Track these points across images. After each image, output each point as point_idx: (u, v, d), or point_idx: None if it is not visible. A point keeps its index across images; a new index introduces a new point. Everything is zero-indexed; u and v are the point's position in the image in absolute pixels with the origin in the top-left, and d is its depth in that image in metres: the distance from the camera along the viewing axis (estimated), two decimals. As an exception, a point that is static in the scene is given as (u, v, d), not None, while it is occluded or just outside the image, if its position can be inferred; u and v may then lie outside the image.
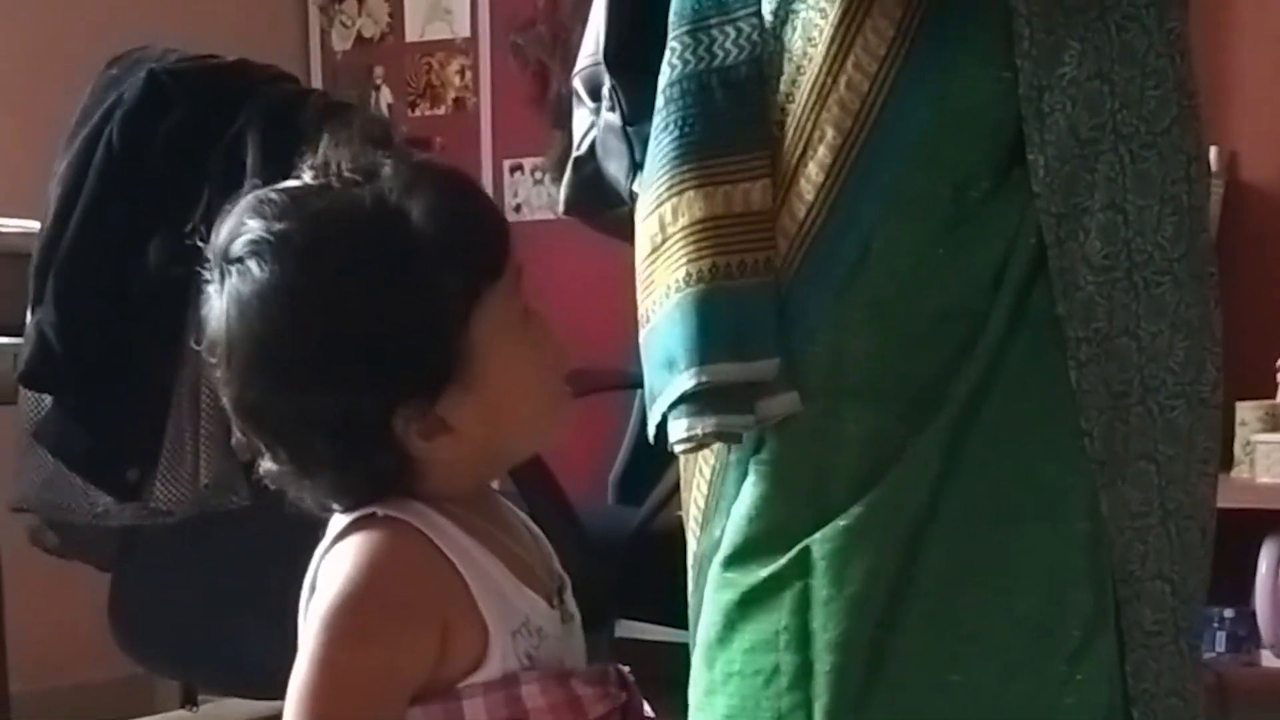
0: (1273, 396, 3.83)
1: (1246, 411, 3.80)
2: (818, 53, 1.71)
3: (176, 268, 2.73)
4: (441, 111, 5.19)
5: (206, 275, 1.44)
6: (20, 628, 3.20)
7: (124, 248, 2.77)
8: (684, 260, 1.73)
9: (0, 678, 3.12)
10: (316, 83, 5.16)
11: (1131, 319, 1.72)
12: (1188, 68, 1.77)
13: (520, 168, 5.03)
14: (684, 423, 1.72)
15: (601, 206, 2.03)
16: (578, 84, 2.03)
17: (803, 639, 1.68)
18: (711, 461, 1.79)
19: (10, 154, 3.73)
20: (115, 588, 3.03)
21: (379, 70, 5.28)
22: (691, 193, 1.73)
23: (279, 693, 2.85)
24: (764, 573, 1.70)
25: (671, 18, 1.80)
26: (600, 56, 1.93)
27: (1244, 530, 3.66)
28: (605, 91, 1.94)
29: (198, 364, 2.74)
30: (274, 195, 1.43)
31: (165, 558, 2.95)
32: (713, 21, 1.78)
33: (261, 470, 1.46)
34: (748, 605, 1.71)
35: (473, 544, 1.42)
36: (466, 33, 5.13)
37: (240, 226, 1.42)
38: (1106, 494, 1.69)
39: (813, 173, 1.70)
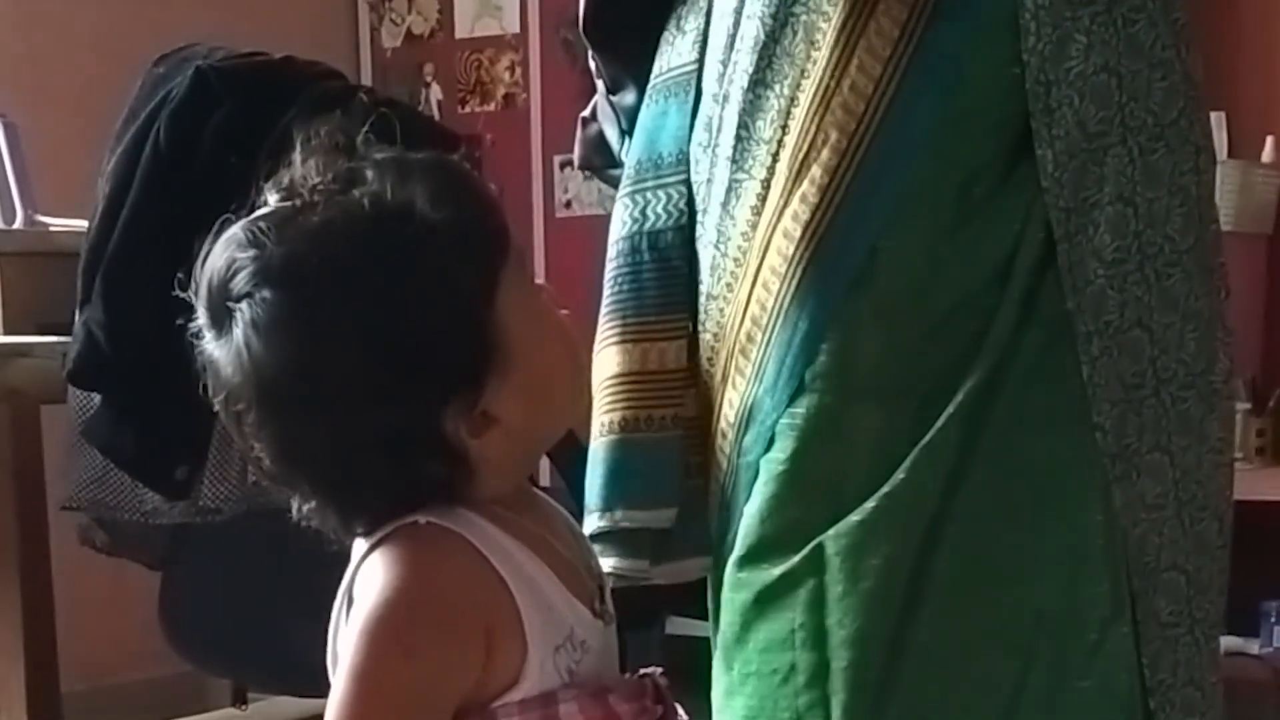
0: (1332, 389, 3.81)
1: (1305, 405, 3.77)
2: (821, 56, 1.72)
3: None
4: (491, 108, 5.19)
5: (196, 329, 1.39)
6: (70, 627, 3.20)
7: (171, 245, 2.73)
8: (604, 409, 1.85)
9: (51, 677, 3.12)
10: (366, 80, 5.17)
11: (1144, 311, 1.71)
12: (1194, 59, 1.77)
13: (570, 163, 5.03)
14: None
15: (604, 165, 2.13)
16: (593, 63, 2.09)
17: (818, 636, 1.68)
18: (723, 465, 1.78)
19: (59, 153, 3.74)
20: (165, 586, 3.04)
21: (429, 67, 5.29)
22: (614, 348, 1.85)
23: (327, 691, 2.85)
24: (777, 571, 1.70)
25: (624, 173, 1.92)
26: (581, 29, 1.97)
27: (1302, 524, 3.64)
28: (591, 61, 2.00)
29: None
30: (258, 224, 1.37)
31: (214, 556, 2.95)
32: (648, 184, 1.88)
33: (296, 512, 1.42)
34: (762, 604, 1.71)
35: (521, 550, 1.39)
36: (516, 29, 5.13)
37: (233, 262, 1.36)
38: (1119, 487, 1.69)
39: (816, 175, 1.70)
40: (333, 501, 1.38)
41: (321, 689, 3.49)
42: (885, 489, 1.67)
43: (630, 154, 1.93)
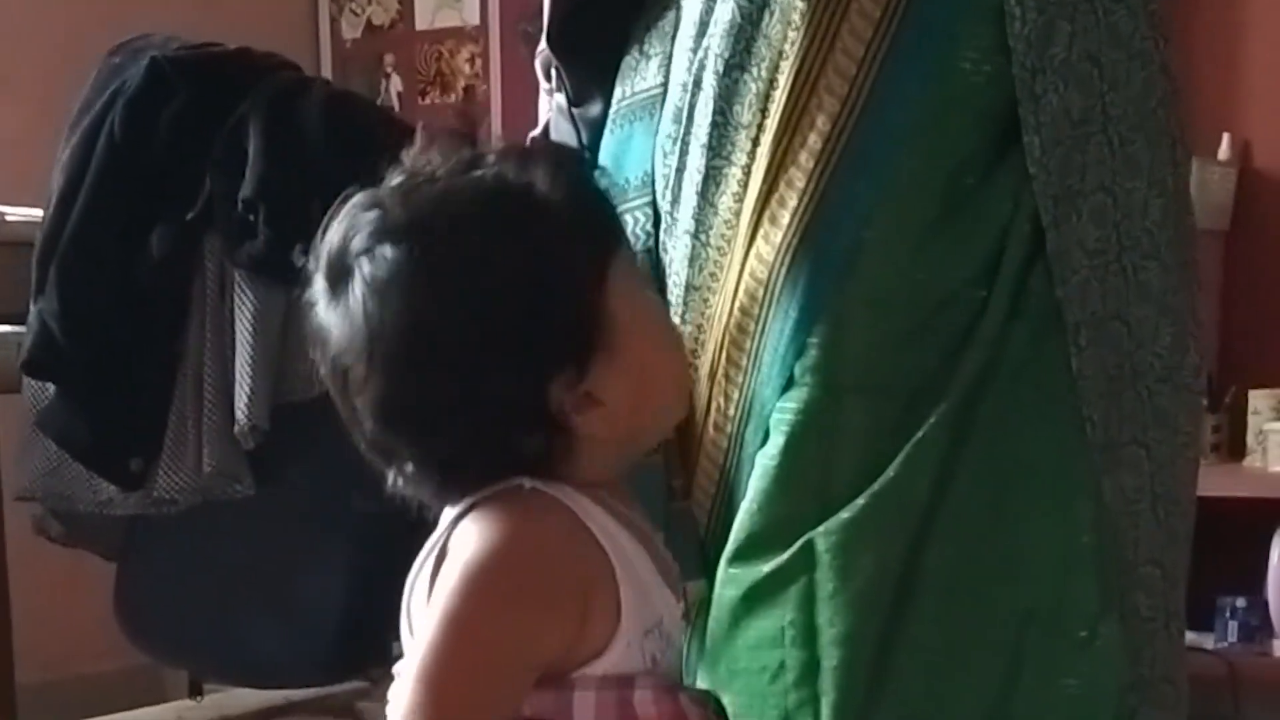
0: (1285, 385, 3.82)
1: (1259, 400, 3.79)
2: (801, 38, 1.70)
3: (178, 256, 2.73)
4: (452, 99, 5.18)
5: (309, 291, 1.40)
6: (26, 618, 3.18)
7: (126, 236, 2.76)
8: None
9: (6, 669, 3.11)
10: (326, 71, 5.16)
11: (1122, 303, 1.71)
12: (1171, 51, 1.77)
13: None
14: None
15: None
16: (538, 66, 2.06)
17: (808, 635, 1.67)
18: (719, 461, 1.77)
19: (14, 142, 3.73)
20: (120, 577, 3.03)
21: (389, 58, 5.27)
22: None
23: (284, 682, 2.84)
24: (767, 568, 1.68)
25: None
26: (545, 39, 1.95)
27: (1256, 519, 3.66)
28: (552, 73, 1.96)
29: (200, 351, 2.76)
30: (383, 191, 1.39)
31: (170, 547, 2.94)
32: (618, 209, 1.84)
33: (390, 485, 1.42)
34: (752, 601, 1.70)
35: (620, 531, 1.39)
36: (476, 20, 5.12)
37: (354, 224, 1.37)
38: (1108, 480, 1.69)
39: (803, 160, 1.69)
40: (432, 467, 1.39)
41: (276, 679, 3.48)
42: (875, 486, 1.66)
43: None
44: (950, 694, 1.66)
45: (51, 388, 2.80)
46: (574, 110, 1.97)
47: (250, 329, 2.69)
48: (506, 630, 1.32)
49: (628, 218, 1.83)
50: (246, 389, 2.68)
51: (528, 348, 1.35)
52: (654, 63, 1.88)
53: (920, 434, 1.66)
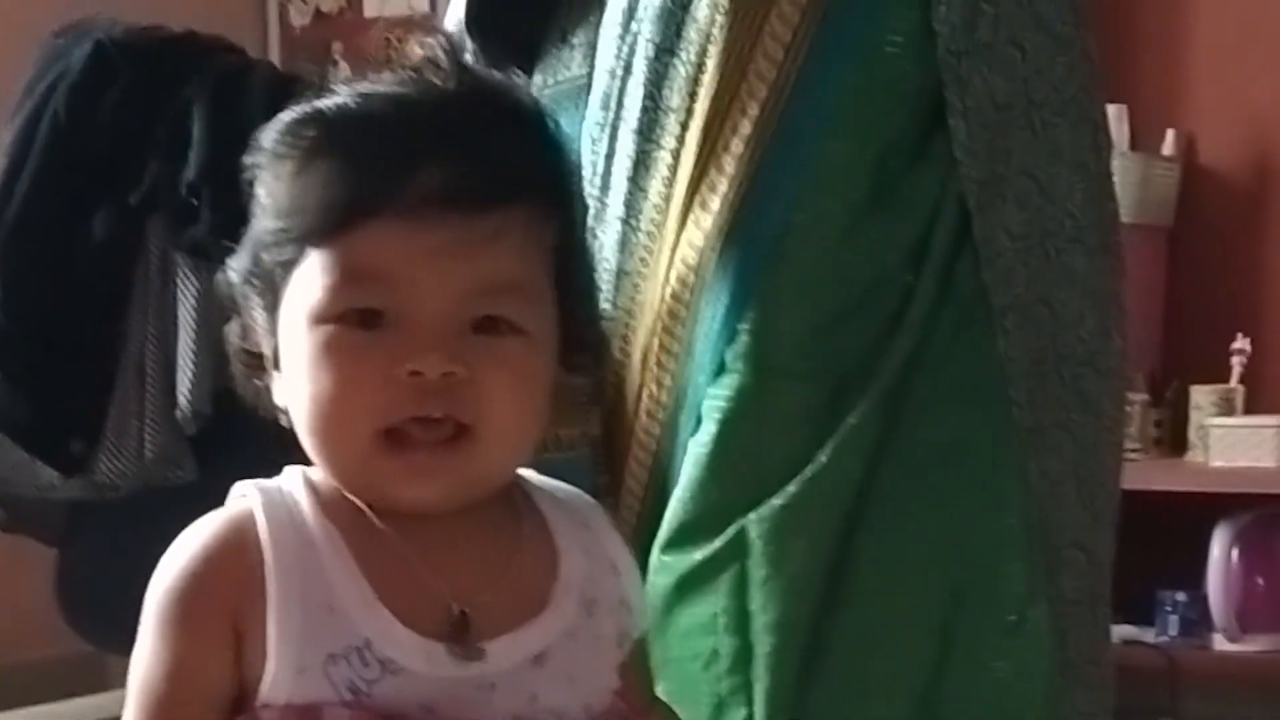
0: (1227, 381, 3.84)
1: (1200, 396, 3.81)
2: (728, 21, 1.70)
3: (121, 239, 2.73)
4: (400, 88, 5.17)
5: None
6: (-34, 604, 3.17)
7: (69, 219, 2.75)
8: None
9: (-54, 654, 3.10)
10: (275, 58, 5.13)
11: (1046, 287, 1.72)
12: (1093, 38, 1.78)
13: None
14: None
15: None
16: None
17: (741, 621, 1.66)
18: (651, 448, 1.76)
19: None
20: (62, 563, 3.01)
21: (337, 46, 5.25)
22: None
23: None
24: (699, 555, 1.68)
25: None
26: (463, 21, 1.92)
27: (1197, 514, 3.68)
28: (469, 55, 1.94)
29: (143, 336, 2.75)
30: None
31: (112, 533, 2.92)
32: None
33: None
34: (684, 589, 1.69)
35: (329, 542, 1.22)
36: (426, 7, 5.11)
37: None
38: (1033, 463, 1.70)
39: (733, 145, 1.69)
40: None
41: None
42: (806, 472, 1.66)
43: None
44: (881, 679, 1.66)
45: (-8, 371, 2.79)
46: None
47: (193, 313, 2.69)
48: (160, 664, 1.22)
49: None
50: (189, 374, 2.68)
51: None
52: (578, 52, 1.88)
53: (850, 419, 1.66)
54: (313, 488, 1.25)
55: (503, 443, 1.23)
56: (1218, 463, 3.70)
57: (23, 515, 2.97)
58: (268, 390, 1.29)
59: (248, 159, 1.27)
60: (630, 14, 1.80)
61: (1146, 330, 3.91)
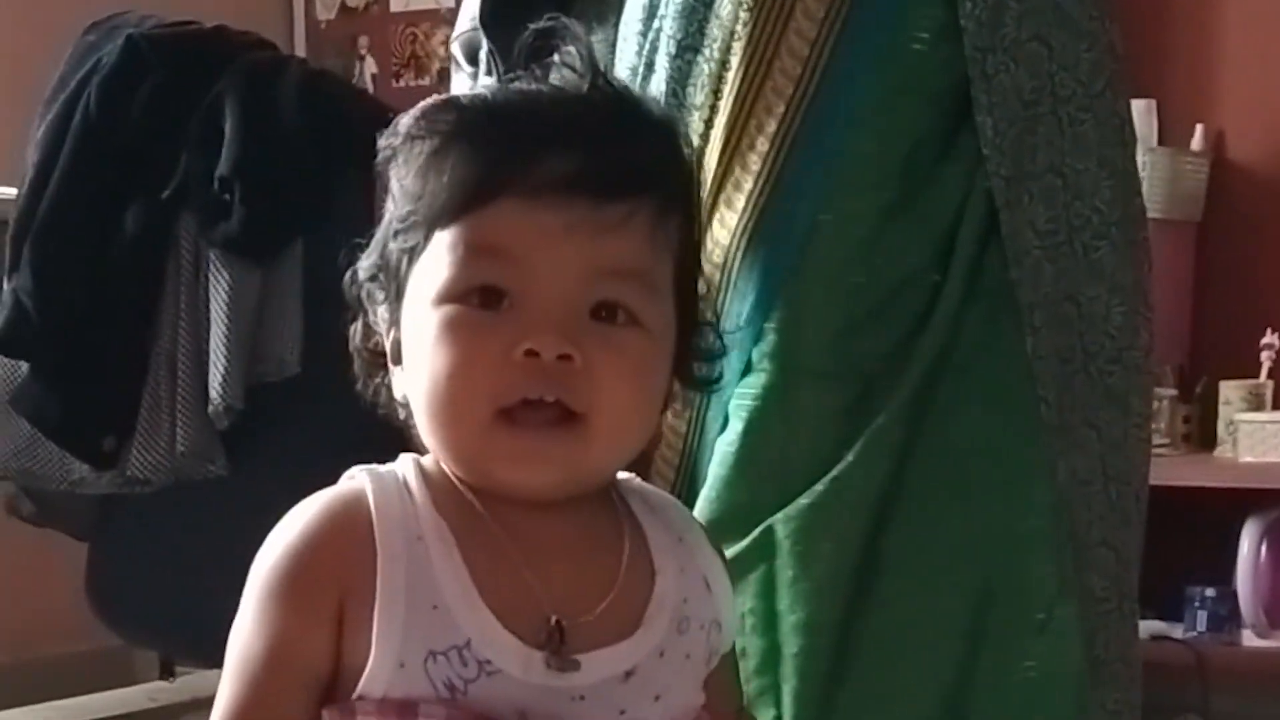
0: (1256, 376, 3.83)
1: (1230, 391, 3.80)
2: (751, 18, 1.70)
3: (153, 234, 2.73)
4: (426, 82, 5.16)
5: None
6: (-4, 598, 3.18)
7: (101, 215, 2.76)
8: None
9: (-24, 648, 3.11)
10: (300, 52, 5.14)
11: (1073, 284, 1.72)
12: (1117, 31, 1.78)
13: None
14: None
15: None
16: (456, 49, 2.04)
17: (769, 622, 1.66)
18: (679, 446, 1.76)
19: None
20: (93, 557, 3.02)
21: (363, 40, 5.26)
22: None
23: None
24: (727, 555, 1.68)
25: None
26: (478, 19, 1.91)
27: (1226, 509, 3.67)
28: (483, 55, 1.94)
29: (174, 330, 2.76)
30: None
31: (143, 527, 2.93)
32: None
33: None
34: None
35: (439, 538, 1.23)
36: (451, 3, 5.11)
37: None
38: (1062, 461, 1.69)
39: (758, 143, 1.69)
40: None
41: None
42: (834, 471, 1.65)
43: None
44: (910, 679, 1.66)
45: (25, 366, 2.79)
46: None
47: (225, 308, 2.69)
48: (262, 637, 1.22)
49: None
50: (221, 368, 2.68)
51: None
52: (597, 49, 1.87)
53: (878, 419, 1.66)
54: (425, 477, 1.26)
55: (611, 434, 1.24)
56: (1247, 458, 3.69)
57: (53, 509, 2.98)
58: (387, 389, 1.30)
59: (383, 145, 1.27)
60: (652, 11, 1.80)
61: (1175, 325, 3.90)
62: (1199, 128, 4.01)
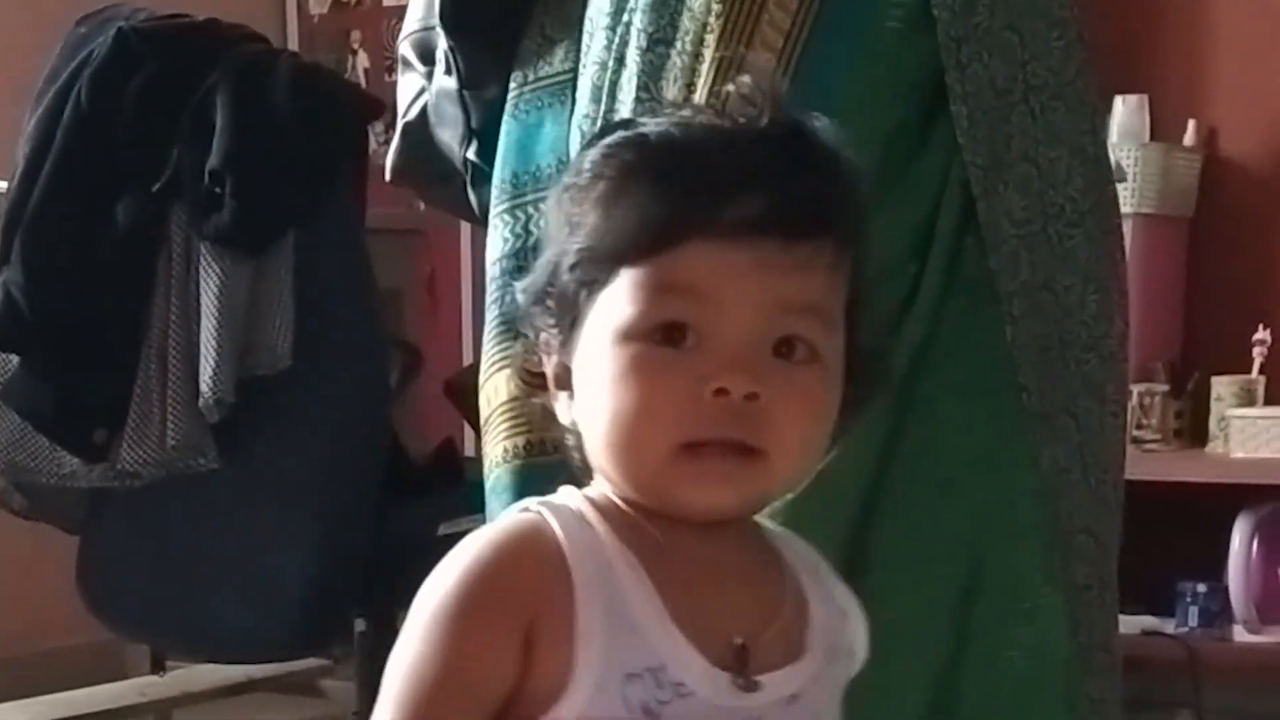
0: (1248, 371, 3.83)
1: (1222, 386, 3.80)
2: (725, 9, 1.70)
3: (144, 227, 2.73)
4: (419, 77, 5.16)
5: None
6: (-12, 592, 3.18)
7: (92, 208, 2.76)
8: (503, 436, 1.80)
9: (-33, 642, 3.11)
10: (293, 47, 5.13)
11: (1049, 272, 1.72)
12: (1085, 21, 1.78)
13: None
14: None
15: (430, 177, 2.03)
16: (406, 48, 2.03)
17: None
18: None
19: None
20: (84, 551, 3.02)
21: (356, 34, 5.25)
22: (507, 371, 1.78)
23: (247, 657, 2.80)
24: None
25: (495, 189, 1.84)
26: (435, 18, 1.91)
27: (1218, 505, 3.67)
28: (441, 54, 1.93)
29: (165, 324, 2.75)
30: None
31: (134, 520, 2.94)
32: (529, 198, 1.82)
33: None
34: None
35: (624, 561, 1.24)
36: (444, -3, 5.11)
37: None
38: (1046, 450, 1.69)
39: None
40: None
41: (239, 654, 3.46)
42: (818, 466, 1.66)
43: (500, 168, 1.87)
44: (899, 671, 1.65)
45: (15, 359, 2.79)
46: (465, 93, 1.93)
47: (216, 301, 2.69)
48: (433, 659, 1.22)
49: (541, 208, 1.78)
50: (212, 362, 2.68)
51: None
52: (559, 48, 1.86)
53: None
54: (597, 508, 1.26)
55: (785, 469, 1.25)
56: (1238, 454, 3.70)
57: (44, 502, 2.98)
58: (546, 408, 1.30)
59: (567, 183, 1.27)
60: (621, 5, 1.79)
61: (1167, 321, 3.91)
62: (1191, 123, 4.02)
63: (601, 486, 1.27)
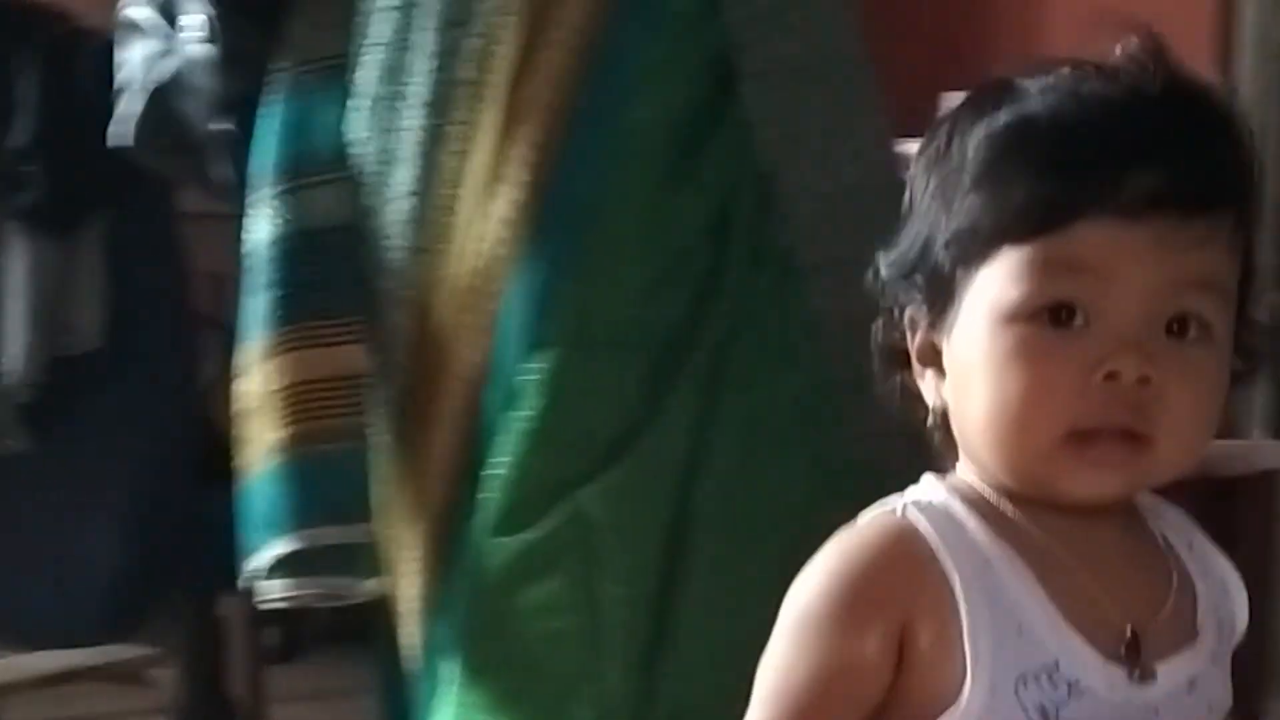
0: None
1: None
2: None
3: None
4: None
5: None
6: None
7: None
8: (283, 422, 1.77)
9: None
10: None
11: (851, 244, 1.74)
12: (916, 18, 1.82)
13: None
14: (282, 583, 1.76)
15: (167, 145, 1.98)
16: (137, 11, 1.97)
17: (587, 599, 1.66)
18: (459, 426, 1.76)
19: None
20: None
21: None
22: (292, 354, 1.76)
23: (55, 642, 2.74)
24: (536, 534, 1.67)
25: (265, 172, 1.81)
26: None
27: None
28: (202, 21, 1.89)
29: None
30: None
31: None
32: (306, 182, 1.80)
33: None
34: (524, 570, 1.68)
35: (1002, 555, 1.20)
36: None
37: None
38: (862, 415, 1.69)
39: (534, 116, 1.69)
40: None
41: (54, 642, 3.39)
42: (638, 445, 1.66)
43: (271, 150, 1.84)
44: (732, 641, 1.65)
45: None
46: (226, 65, 1.89)
47: (24, 280, 2.65)
48: (812, 665, 1.20)
49: (327, 191, 1.80)
50: (20, 341, 2.64)
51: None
52: (328, 33, 1.84)
53: (675, 389, 1.67)
54: (965, 500, 1.22)
55: (1174, 454, 1.19)
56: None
57: None
58: (901, 386, 1.27)
59: (925, 148, 1.24)
60: None
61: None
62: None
63: (965, 473, 1.23)
